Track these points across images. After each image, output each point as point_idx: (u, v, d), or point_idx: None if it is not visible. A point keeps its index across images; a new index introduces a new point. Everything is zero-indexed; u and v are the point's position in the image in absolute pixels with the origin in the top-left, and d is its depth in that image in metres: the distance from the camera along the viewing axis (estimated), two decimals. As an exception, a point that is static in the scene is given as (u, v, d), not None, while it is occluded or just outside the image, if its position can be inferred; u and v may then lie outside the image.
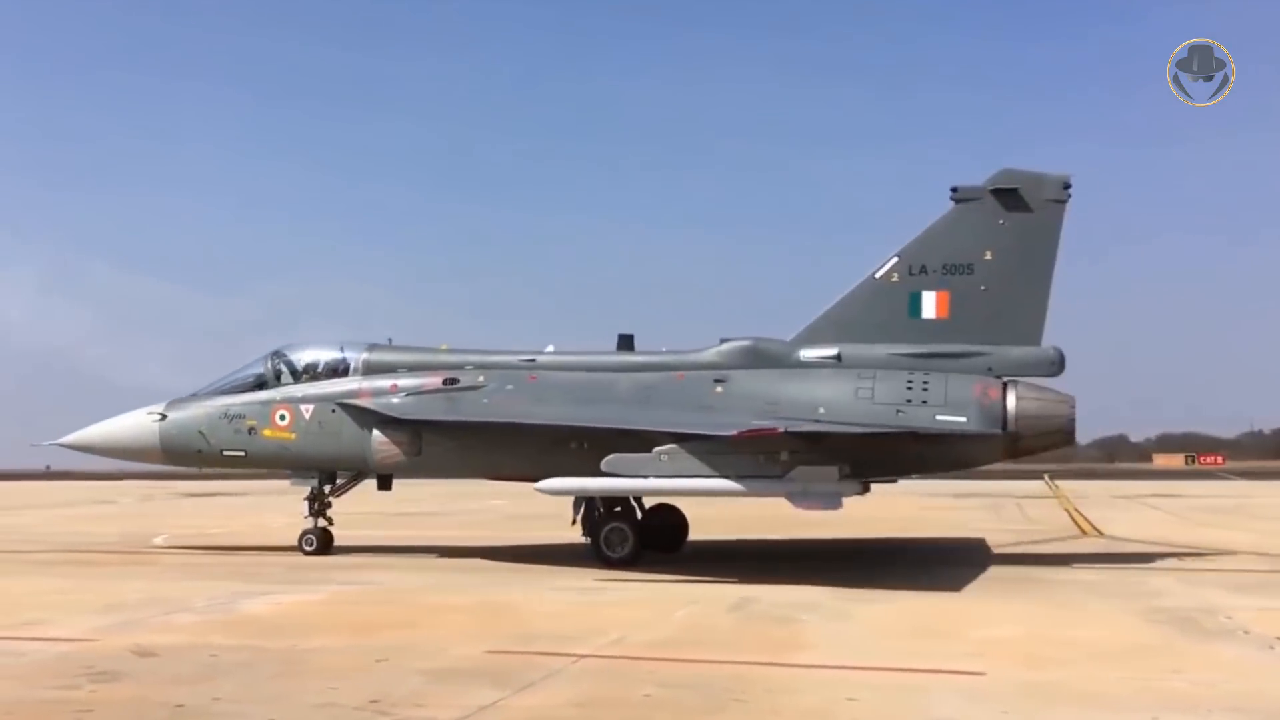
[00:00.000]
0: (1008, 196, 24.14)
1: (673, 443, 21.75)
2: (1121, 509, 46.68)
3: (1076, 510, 44.73)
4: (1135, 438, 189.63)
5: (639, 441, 22.13)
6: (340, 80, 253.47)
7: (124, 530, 35.72)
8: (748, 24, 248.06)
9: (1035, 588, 20.51)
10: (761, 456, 21.51)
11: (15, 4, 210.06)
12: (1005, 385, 23.45)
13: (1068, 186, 24.28)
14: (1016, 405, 23.17)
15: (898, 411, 23.20)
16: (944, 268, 24.29)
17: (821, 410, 23.36)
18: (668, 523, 26.66)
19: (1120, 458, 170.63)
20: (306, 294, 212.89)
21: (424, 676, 12.18)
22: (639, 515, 25.62)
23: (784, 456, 21.38)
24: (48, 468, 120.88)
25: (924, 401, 23.24)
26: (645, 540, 24.52)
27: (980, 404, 23.07)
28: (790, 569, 23.52)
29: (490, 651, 13.70)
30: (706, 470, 21.62)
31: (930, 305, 24.31)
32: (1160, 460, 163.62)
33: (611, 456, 22.08)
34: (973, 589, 20.47)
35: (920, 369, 23.81)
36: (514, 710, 10.76)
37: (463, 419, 24.29)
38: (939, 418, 22.98)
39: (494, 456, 24.58)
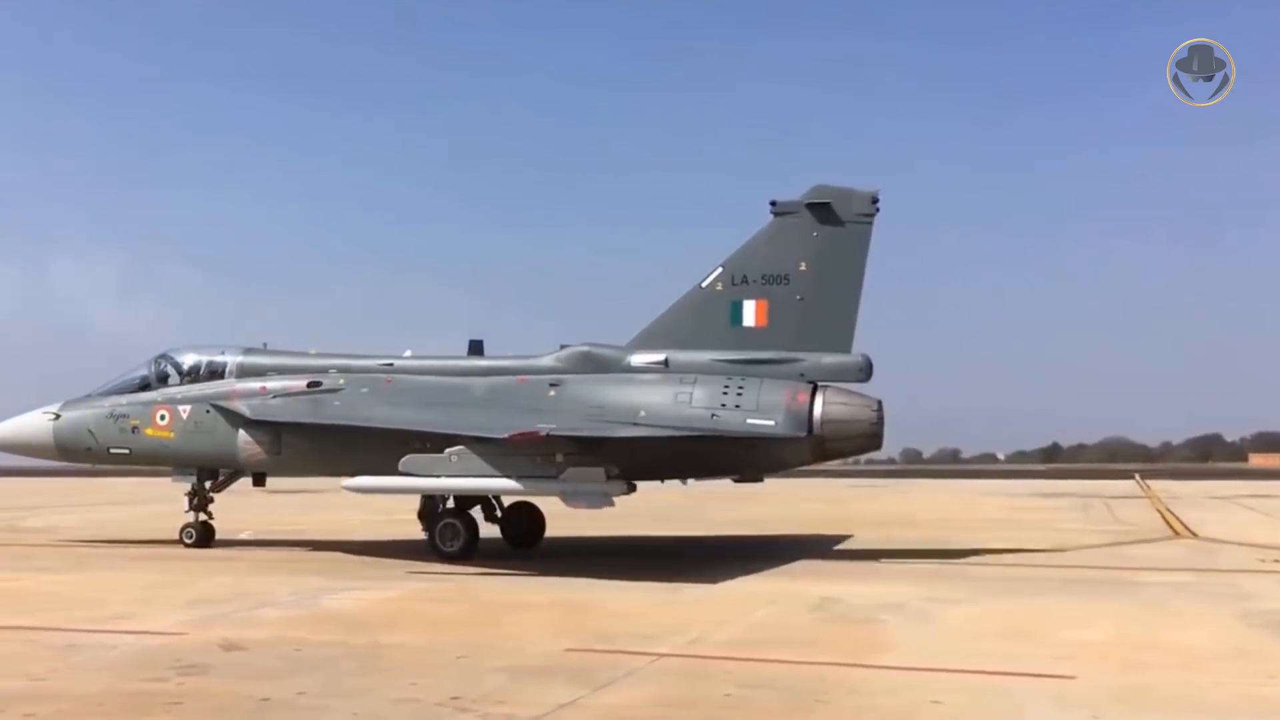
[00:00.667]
0: (821, 210, 25.15)
1: (461, 445, 22.88)
2: (1215, 509, 45.39)
3: (1168, 510, 43.60)
4: (1230, 437, 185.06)
5: (450, 442, 23.23)
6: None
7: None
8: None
9: (1126, 589, 20.01)
10: (539, 458, 22.66)
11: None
12: (814, 390, 24.32)
13: (875, 201, 25.24)
14: (823, 410, 24.04)
15: (712, 415, 24.17)
16: (763, 278, 25.32)
17: (642, 414, 24.41)
18: (526, 519, 27.87)
19: (1215, 457, 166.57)
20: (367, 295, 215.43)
21: (504, 674, 12.20)
22: (498, 512, 27.55)
23: (559, 458, 22.54)
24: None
25: (737, 406, 24.14)
26: (506, 535, 27.16)
27: (789, 409, 23.93)
28: (875, 573, 23.25)
29: (569, 649, 13.69)
30: (490, 470, 22.86)
31: (750, 314, 25.38)
32: (1257, 460, 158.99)
33: (408, 457, 23.31)
34: (1061, 590, 20.06)
35: (739, 374, 24.78)
36: (594, 709, 10.71)
37: (316, 421, 25.48)
38: (749, 421, 23.96)
39: (346, 456, 25.14)
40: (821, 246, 25.04)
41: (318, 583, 20.27)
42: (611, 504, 22.88)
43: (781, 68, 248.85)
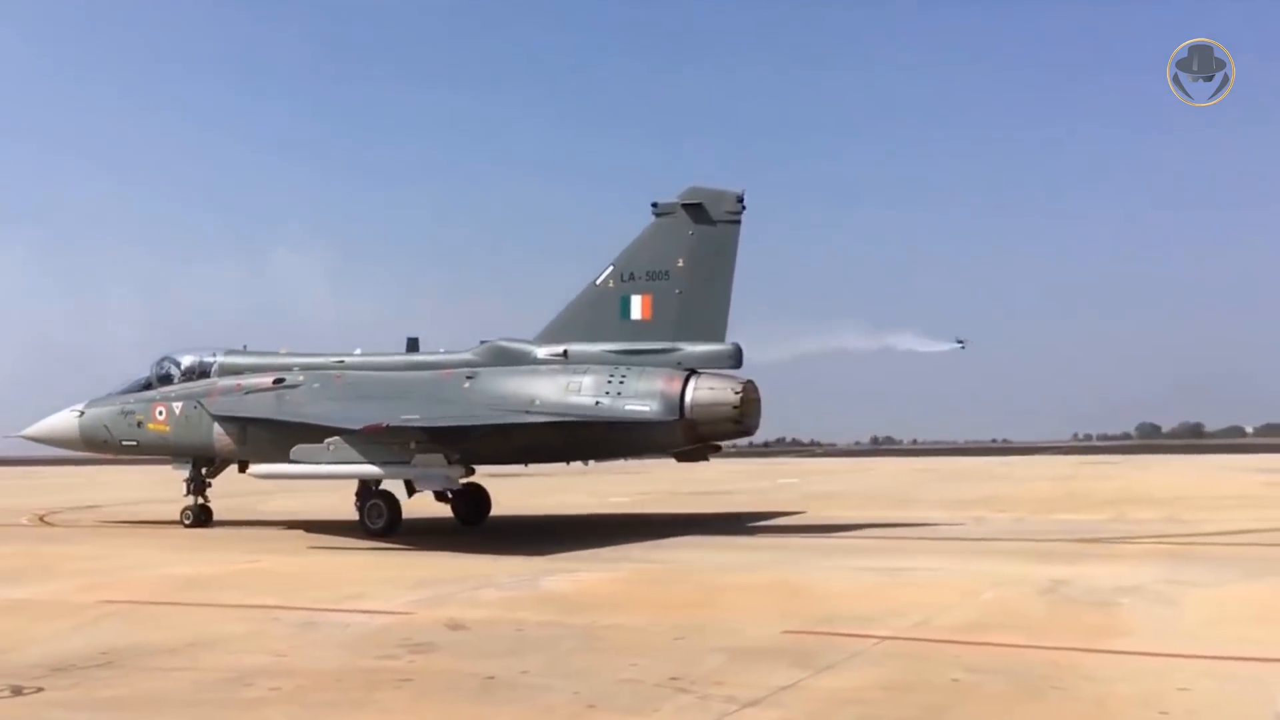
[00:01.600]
0: (695, 210, 27.11)
1: (338, 436, 25.08)
2: None
3: None
4: None
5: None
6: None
7: (427, 510, 37.65)
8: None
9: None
10: (396, 446, 24.88)
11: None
12: (688, 377, 26.16)
13: (741, 200, 27.07)
14: (692, 395, 25.92)
15: (596, 403, 26.36)
16: (647, 274, 27.37)
17: (536, 402, 26.76)
18: (473, 499, 30.28)
19: None
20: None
21: (723, 655, 12.08)
22: (452, 496, 29.76)
23: (412, 445, 24.85)
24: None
25: (619, 394, 26.22)
26: (457, 512, 29.90)
27: (664, 395, 25.92)
28: (1110, 554, 22.13)
29: (788, 631, 13.45)
30: (357, 457, 25.03)
31: (637, 307, 27.43)
32: None
33: (297, 446, 25.60)
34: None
35: (625, 364, 26.82)
36: (815, 691, 10.46)
37: (269, 416, 28.12)
38: (628, 408, 26.03)
39: (295, 445, 26.22)
40: (696, 244, 27.02)
41: (539, 564, 20.67)
42: (456, 485, 26.03)
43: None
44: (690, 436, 26.69)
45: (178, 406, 30.22)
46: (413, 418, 25.01)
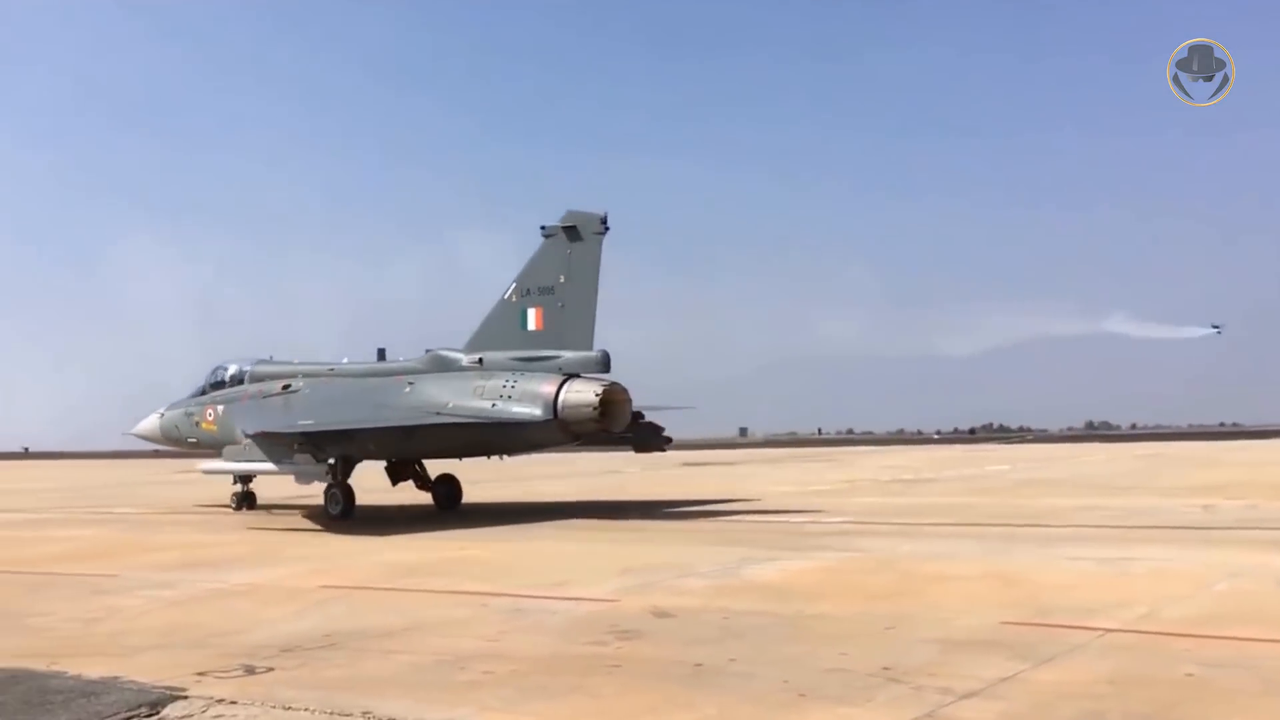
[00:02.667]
0: (571, 231, 30.35)
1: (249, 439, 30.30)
2: None
3: None
4: None
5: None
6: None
7: (633, 498, 38.14)
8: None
9: None
10: (282, 447, 29.83)
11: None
12: (563, 381, 29.32)
13: (604, 221, 30.17)
14: (564, 397, 29.04)
15: (493, 405, 29.95)
16: (539, 289, 30.81)
17: (450, 405, 30.50)
18: (448, 487, 34.42)
19: None
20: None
21: (936, 645, 11.70)
22: (431, 486, 34.28)
23: (295, 447, 29.67)
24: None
25: (510, 397, 29.75)
26: (437, 500, 33.94)
27: (543, 398, 29.21)
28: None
29: (1004, 622, 12.93)
30: (261, 457, 30.20)
31: (532, 319, 30.88)
32: None
33: (226, 447, 32.16)
34: None
35: (521, 370, 30.21)
36: (1037, 684, 10.00)
37: (250, 419, 32.65)
38: (515, 410, 29.56)
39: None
40: (572, 262, 30.23)
41: (740, 552, 20.55)
42: (322, 480, 29.77)
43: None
44: (565, 435, 29.96)
45: (221, 409, 35.36)
46: (308, 423, 30.35)
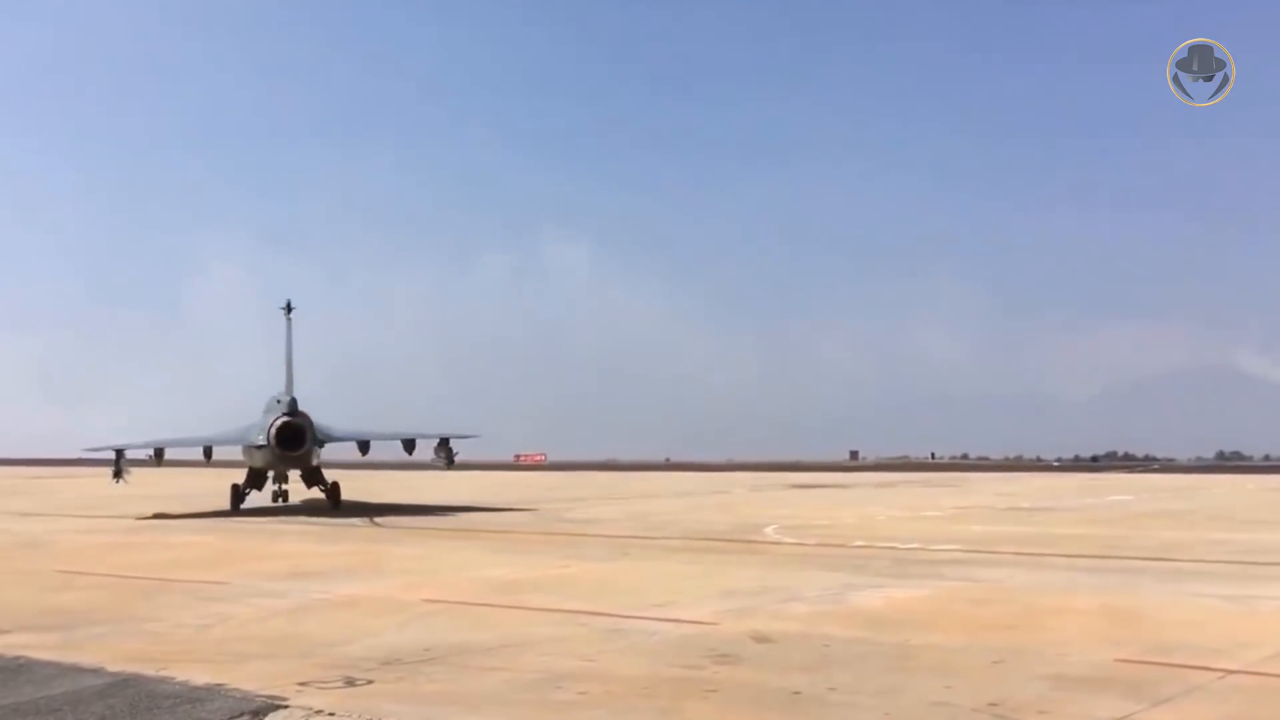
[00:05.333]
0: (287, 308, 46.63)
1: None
2: None
3: None
4: None
5: None
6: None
7: (737, 519, 37.79)
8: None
9: None
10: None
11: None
12: (279, 418, 42.74)
13: (288, 306, 46.69)
14: (268, 431, 42.33)
15: (258, 434, 43.45)
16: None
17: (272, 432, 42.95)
18: (331, 489, 45.46)
19: None
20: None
21: (1046, 682, 11.27)
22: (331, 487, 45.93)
23: None
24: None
25: (261, 429, 43.11)
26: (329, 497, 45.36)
27: (265, 430, 42.62)
28: None
29: (1120, 660, 12.41)
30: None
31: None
32: None
33: None
34: None
35: (275, 411, 43.86)
36: (1153, 727, 9.55)
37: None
38: (257, 438, 43.46)
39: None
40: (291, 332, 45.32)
41: (844, 578, 20.16)
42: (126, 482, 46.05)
43: None
44: (280, 460, 43.04)
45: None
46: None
